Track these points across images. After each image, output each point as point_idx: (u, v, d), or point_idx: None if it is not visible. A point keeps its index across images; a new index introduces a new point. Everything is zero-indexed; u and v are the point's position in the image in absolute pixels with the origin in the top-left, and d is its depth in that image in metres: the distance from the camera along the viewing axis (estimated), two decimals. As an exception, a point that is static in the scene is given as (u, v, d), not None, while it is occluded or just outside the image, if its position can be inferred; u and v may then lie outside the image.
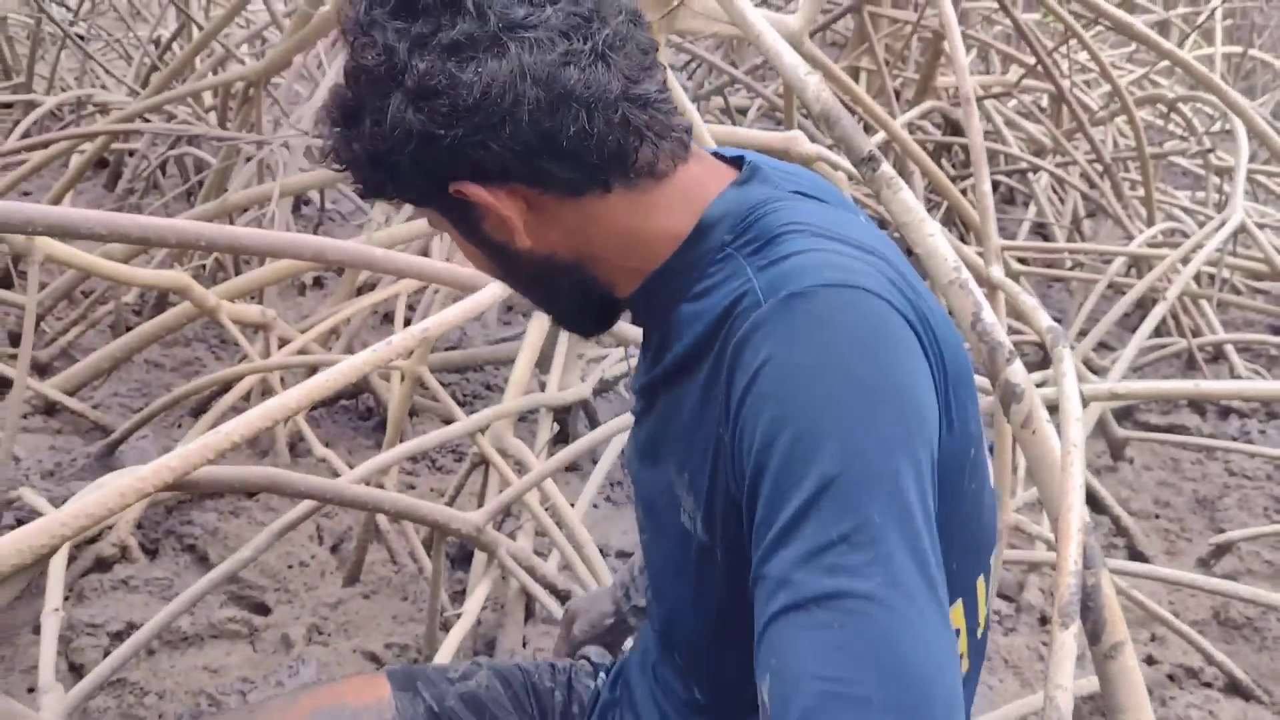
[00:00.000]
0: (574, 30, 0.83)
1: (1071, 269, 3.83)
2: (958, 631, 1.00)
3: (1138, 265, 3.51)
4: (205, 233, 1.48)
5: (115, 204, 4.01)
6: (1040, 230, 4.48)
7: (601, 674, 1.29)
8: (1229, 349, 3.55)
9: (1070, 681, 1.07)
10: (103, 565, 2.19)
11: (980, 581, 1.03)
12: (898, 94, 5.07)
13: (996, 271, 1.80)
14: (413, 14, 0.82)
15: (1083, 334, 3.51)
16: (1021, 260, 3.67)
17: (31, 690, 1.92)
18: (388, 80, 0.83)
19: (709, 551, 0.93)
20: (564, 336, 2.53)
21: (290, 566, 2.26)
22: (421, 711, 1.19)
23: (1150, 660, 2.29)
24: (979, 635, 1.05)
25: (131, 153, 4.03)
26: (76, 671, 1.99)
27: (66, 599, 2.09)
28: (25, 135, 3.51)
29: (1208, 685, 2.25)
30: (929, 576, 0.76)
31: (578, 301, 0.98)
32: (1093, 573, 1.27)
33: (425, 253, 2.77)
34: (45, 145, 2.95)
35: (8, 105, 4.55)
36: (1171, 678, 2.25)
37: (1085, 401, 2.44)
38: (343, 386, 1.53)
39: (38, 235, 1.45)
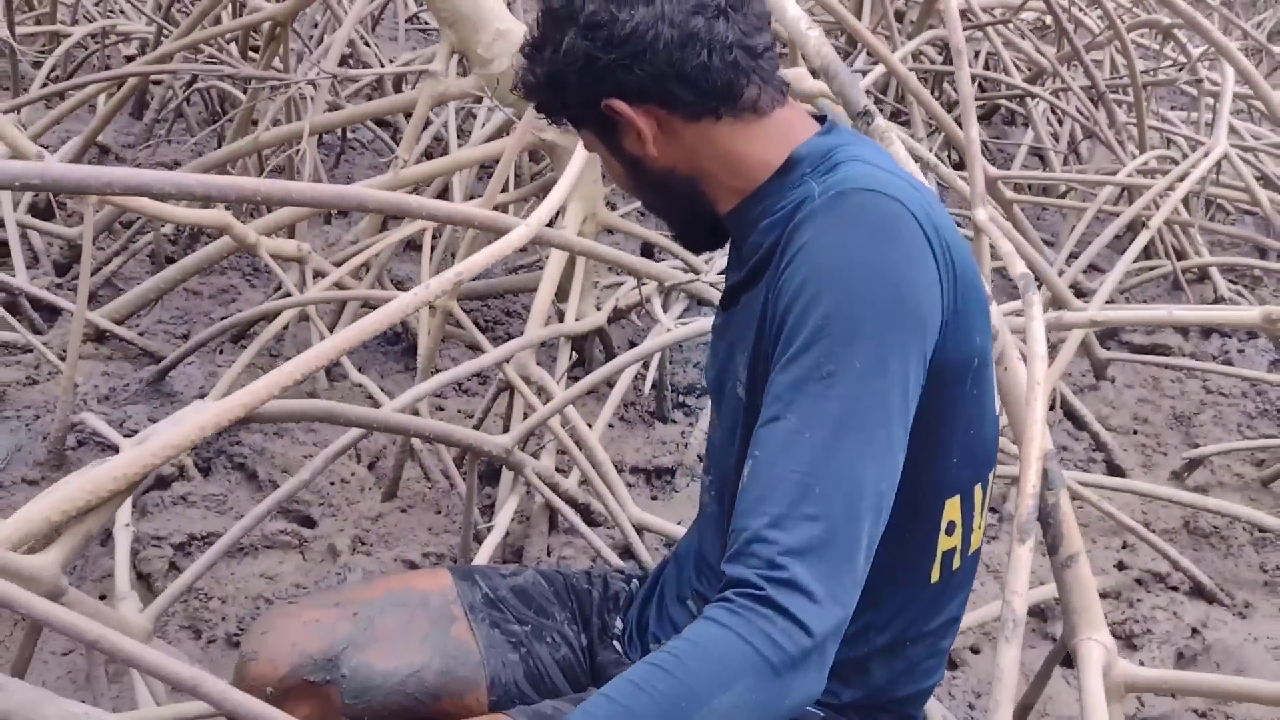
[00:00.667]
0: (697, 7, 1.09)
1: (1064, 194, 3.96)
2: (952, 524, 1.20)
3: (1128, 191, 3.64)
4: (262, 188, 1.63)
5: (143, 134, 4.14)
6: (1038, 152, 4.59)
7: (634, 580, 1.52)
8: (1213, 271, 3.70)
9: (1025, 589, 1.26)
10: (162, 483, 2.39)
11: (978, 489, 1.22)
12: (900, 16, 5.14)
13: (981, 214, 1.95)
14: None
15: (1074, 256, 3.67)
16: (1017, 187, 3.79)
17: (103, 597, 2.14)
18: (566, 18, 1.10)
19: (749, 410, 1.15)
20: (580, 269, 2.69)
21: (333, 483, 2.46)
22: (479, 598, 1.41)
23: (1121, 565, 2.50)
24: (973, 539, 1.24)
25: (157, 82, 4.13)
26: (145, 580, 2.20)
27: (132, 512, 2.29)
28: (54, 69, 3.63)
29: (1174, 589, 2.45)
30: (888, 423, 1.01)
31: (690, 211, 1.23)
32: (1053, 493, 1.46)
33: (447, 189, 2.91)
34: (79, 87, 3.07)
35: (31, 35, 4.63)
36: (1140, 582, 2.45)
37: (1066, 328, 2.61)
38: (387, 326, 1.71)
39: (114, 195, 1.60)
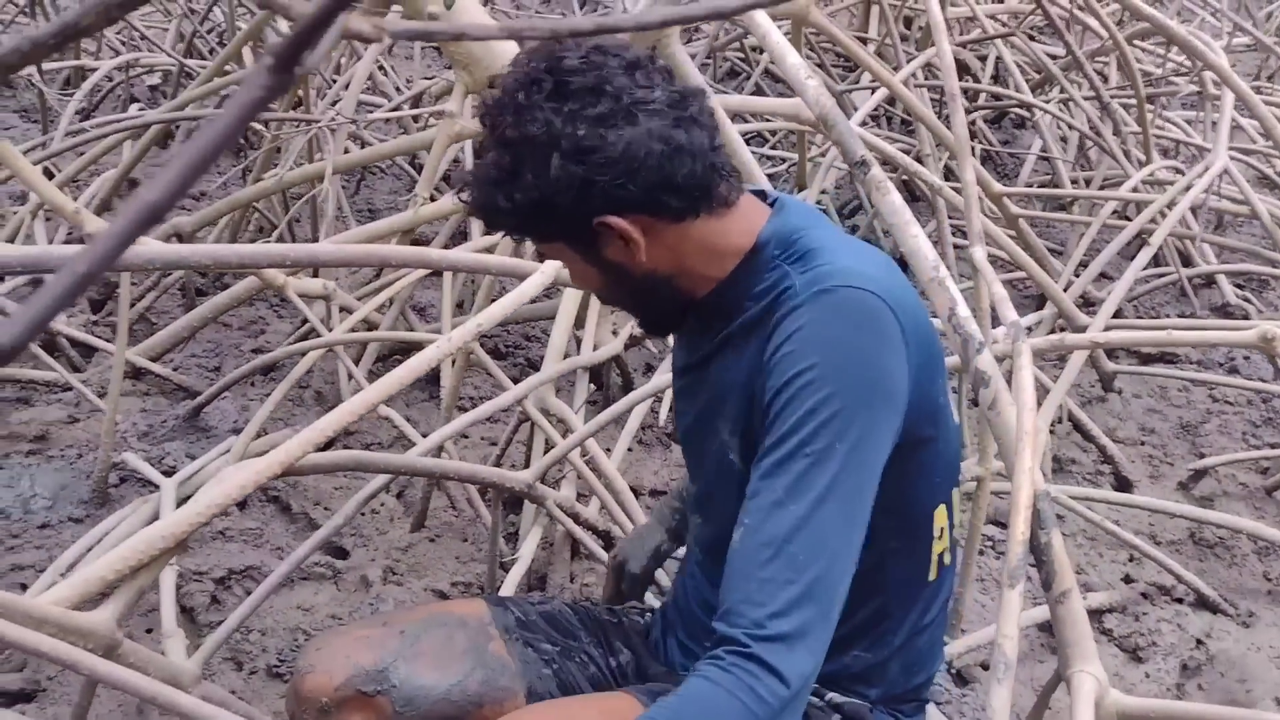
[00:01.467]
0: (675, 104, 1.20)
1: (1071, 204, 4.02)
2: (941, 529, 1.38)
3: (1134, 202, 3.70)
4: (290, 254, 1.74)
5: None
6: (1047, 158, 4.64)
7: (648, 614, 1.64)
8: (1220, 278, 3.75)
9: (1015, 632, 1.35)
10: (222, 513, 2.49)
11: (955, 493, 1.41)
12: (909, 21, 5.19)
13: (979, 253, 2.02)
14: (565, 98, 1.15)
15: (1084, 265, 3.73)
16: (1027, 200, 3.85)
17: (150, 630, 2.25)
18: (548, 145, 1.15)
19: (746, 477, 1.26)
20: (595, 297, 2.77)
21: (363, 514, 2.56)
22: (512, 621, 1.54)
23: (1127, 579, 2.57)
24: (955, 533, 1.42)
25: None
26: (188, 614, 2.31)
27: (172, 549, 2.41)
28: (81, 108, 3.74)
29: (1179, 601, 2.53)
30: (861, 494, 1.16)
31: (665, 305, 1.33)
32: (1045, 532, 1.54)
33: (464, 229, 3.01)
34: (105, 135, 3.18)
35: (57, 69, 4.76)
36: (1145, 595, 2.52)
37: (1069, 349, 2.67)
38: (412, 380, 1.80)
39: (158, 270, 1.70)
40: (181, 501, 2.26)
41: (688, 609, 1.50)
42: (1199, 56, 2.72)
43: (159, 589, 2.05)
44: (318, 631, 2.26)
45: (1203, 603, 2.51)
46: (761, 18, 2.19)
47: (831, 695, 1.38)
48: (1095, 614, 2.43)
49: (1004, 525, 2.73)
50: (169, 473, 2.55)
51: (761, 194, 1.36)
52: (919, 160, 3.88)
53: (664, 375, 2.45)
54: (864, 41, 4.58)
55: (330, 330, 2.73)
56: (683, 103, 1.20)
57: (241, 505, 2.60)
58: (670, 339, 1.57)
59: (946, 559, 1.41)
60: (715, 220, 1.26)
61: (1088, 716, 1.42)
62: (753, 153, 4.38)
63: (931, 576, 1.39)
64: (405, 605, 2.21)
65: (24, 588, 2.29)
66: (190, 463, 2.55)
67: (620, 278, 1.27)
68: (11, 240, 3.29)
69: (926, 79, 4.18)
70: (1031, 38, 4.67)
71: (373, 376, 3.01)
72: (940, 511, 1.37)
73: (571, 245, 1.25)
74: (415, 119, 3.80)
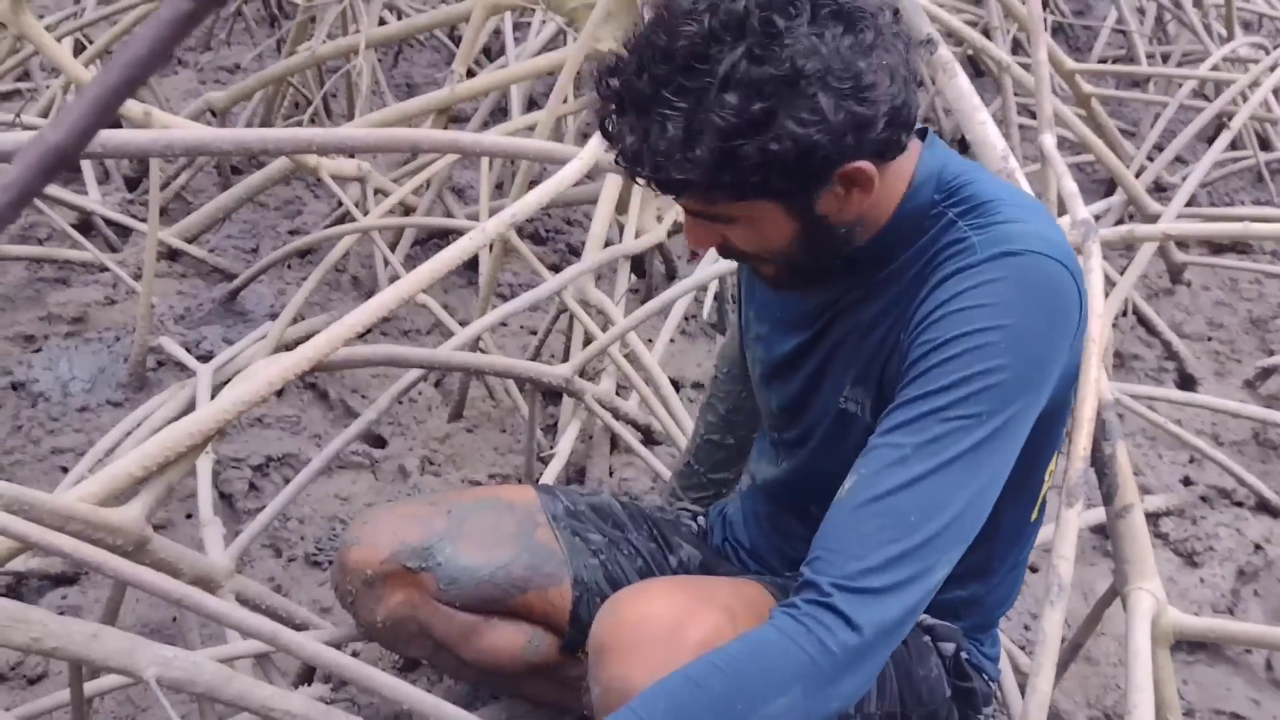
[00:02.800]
0: (897, 36, 1.04)
1: (1147, 82, 3.79)
2: (1050, 473, 1.30)
3: (1214, 82, 3.48)
4: (317, 138, 1.65)
5: (203, 37, 4.14)
6: (1123, 31, 4.38)
7: (699, 517, 1.62)
8: (1302, 163, 3.55)
9: (1072, 554, 1.28)
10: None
11: (1064, 434, 1.33)
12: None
13: (1048, 141, 1.88)
14: (823, 22, 0.98)
15: (1159, 148, 3.53)
16: (1099, 77, 3.64)
17: (189, 516, 2.25)
18: (797, 82, 0.96)
19: (870, 429, 1.15)
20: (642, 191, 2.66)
21: (401, 403, 2.53)
22: (560, 509, 1.50)
23: (1187, 481, 2.48)
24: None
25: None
26: (226, 500, 2.30)
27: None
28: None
29: (1239, 504, 2.44)
30: (993, 470, 1.04)
31: (830, 257, 1.14)
32: (1109, 443, 1.46)
33: (506, 100, 2.88)
34: (140, 1, 3.07)
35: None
36: (1204, 499, 2.43)
37: (1139, 241, 2.54)
38: (446, 272, 1.73)
39: (182, 156, 1.62)
40: (218, 388, 2.23)
41: (757, 515, 1.47)
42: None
43: (196, 477, 2.04)
44: (341, 537, 2.25)
45: (1263, 506, 2.42)
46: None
47: (925, 618, 1.34)
48: (1152, 518, 2.35)
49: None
50: (205, 357, 2.52)
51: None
52: (986, 33, 3.66)
53: (709, 267, 2.35)
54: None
55: (366, 213, 2.65)
56: (901, 34, 1.05)
57: (279, 393, 2.56)
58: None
59: (1048, 497, 1.35)
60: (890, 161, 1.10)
61: (1144, 636, 1.35)
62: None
63: (1034, 516, 1.33)
64: (454, 488, 2.19)
65: (65, 470, 2.29)
66: (227, 347, 2.52)
67: (819, 233, 1.09)
68: (45, 115, 3.22)
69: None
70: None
71: (410, 261, 2.94)
72: (1055, 459, 1.30)
73: (780, 200, 1.05)
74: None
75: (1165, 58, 4.07)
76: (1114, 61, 4.33)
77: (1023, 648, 1.94)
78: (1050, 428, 1.19)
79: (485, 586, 1.41)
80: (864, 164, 1.03)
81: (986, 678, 1.37)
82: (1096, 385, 1.39)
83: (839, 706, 0.99)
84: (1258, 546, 2.31)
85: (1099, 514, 2.22)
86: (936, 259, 1.10)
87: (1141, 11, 4.42)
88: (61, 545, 1.29)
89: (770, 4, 0.97)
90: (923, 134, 1.17)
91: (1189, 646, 2.08)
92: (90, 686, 1.54)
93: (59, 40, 2.63)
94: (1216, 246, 3.33)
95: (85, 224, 3.02)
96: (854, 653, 0.98)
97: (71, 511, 1.40)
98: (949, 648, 1.32)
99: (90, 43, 3.59)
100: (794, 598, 1.02)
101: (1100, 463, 1.46)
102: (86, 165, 3.11)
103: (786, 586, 1.28)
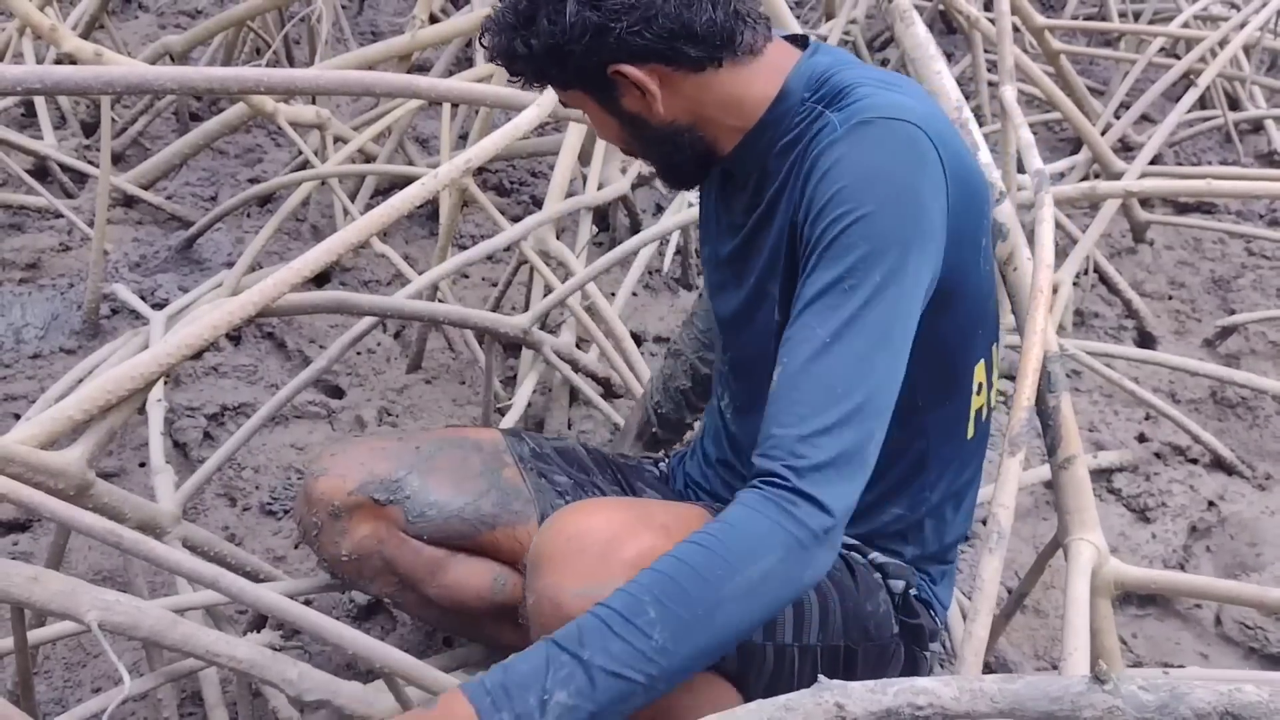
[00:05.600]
0: None
1: (1118, 39, 3.78)
2: (980, 385, 1.35)
3: (1184, 40, 3.47)
4: (264, 79, 1.62)
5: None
6: (1096, -11, 4.36)
7: (661, 464, 1.65)
8: (1269, 124, 3.54)
9: (1012, 501, 1.28)
10: (195, 354, 2.45)
11: (994, 349, 1.37)
12: None
13: (1008, 93, 1.87)
14: None
15: (1126, 106, 3.53)
16: (1071, 34, 3.62)
17: (143, 465, 2.23)
18: None
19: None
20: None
21: (359, 354, 2.51)
22: (526, 451, 1.53)
23: (1141, 438, 2.49)
24: (992, 394, 1.40)
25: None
26: (181, 449, 2.28)
27: (165, 384, 2.36)
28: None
29: (1193, 461, 2.45)
30: (901, 328, 1.12)
31: (688, 157, 1.27)
32: (1054, 395, 1.47)
33: (468, 55, 2.84)
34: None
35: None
36: (1159, 455, 2.45)
37: (1101, 198, 2.54)
38: (398, 217, 1.71)
39: (119, 93, 1.59)
40: (171, 336, 2.20)
41: (718, 460, 1.50)
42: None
43: (148, 424, 2.02)
44: (306, 469, 2.23)
45: (1218, 464, 2.44)
46: None
47: (874, 554, 1.38)
48: (1105, 473, 2.37)
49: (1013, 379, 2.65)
50: (161, 305, 2.49)
51: (799, 39, 1.30)
52: (956, -12, 3.63)
53: (673, 217, 2.34)
54: None
55: (325, 161, 2.61)
56: None
57: (236, 342, 2.55)
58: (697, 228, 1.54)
59: (985, 415, 1.38)
60: (740, 69, 1.21)
61: (1083, 585, 1.37)
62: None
63: (970, 434, 1.36)
64: (421, 427, 2.17)
65: (17, 418, 2.27)
66: (182, 296, 2.49)
67: (639, 128, 1.24)
68: (0, 58, 3.15)
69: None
70: None
71: (370, 210, 2.91)
72: (980, 367, 1.33)
73: (590, 94, 1.21)
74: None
75: (1138, 16, 4.05)
76: (1087, 19, 4.31)
77: (970, 598, 1.96)
78: (959, 318, 1.25)
79: (454, 521, 1.43)
80: (627, 68, 1.15)
81: (934, 614, 1.38)
82: (1042, 336, 1.40)
83: (813, 576, 1.07)
84: (1211, 503, 2.33)
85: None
86: (808, 147, 1.18)
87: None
88: (0, 488, 1.27)
89: None
90: (803, 43, 1.27)
91: (1139, 601, 2.10)
92: (36, 635, 1.53)
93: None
94: (1181, 206, 3.33)
95: (41, 169, 2.97)
96: (826, 530, 1.05)
97: (10, 454, 1.38)
98: (899, 585, 1.34)
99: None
100: (754, 482, 1.08)
101: (1044, 414, 1.46)
102: (42, 110, 3.05)
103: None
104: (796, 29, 1.84)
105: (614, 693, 0.97)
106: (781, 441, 1.07)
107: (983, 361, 1.34)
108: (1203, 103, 3.62)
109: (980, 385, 1.34)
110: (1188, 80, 3.44)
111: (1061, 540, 1.44)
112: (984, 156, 1.54)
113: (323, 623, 1.32)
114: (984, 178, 1.30)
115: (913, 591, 1.36)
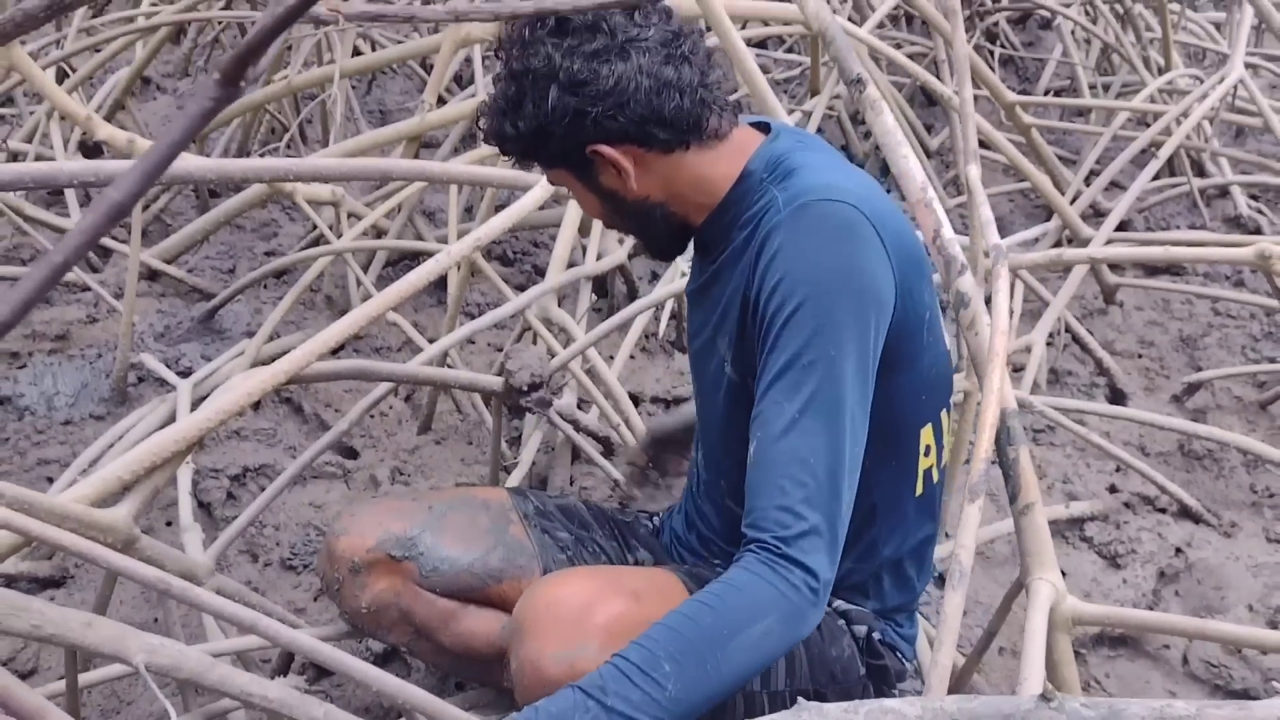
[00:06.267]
0: (668, 42, 1.28)
1: (1088, 113, 3.98)
2: (928, 447, 1.48)
3: (1151, 112, 3.66)
4: (294, 168, 1.79)
5: (181, 63, 4.27)
6: (1068, 61, 4.58)
7: (655, 518, 1.77)
8: (1234, 189, 3.73)
9: (973, 543, 1.42)
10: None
11: (944, 414, 1.50)
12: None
13: (973, 172, 2.04)
14: (565, 34, 1.25)
15: (1095, 174, 3.71)
16: (1044, 107, 3.82)
17: (169, 524, 2.37)
18: (546, 77, 1.25)
19: (739, 386, 1.39)
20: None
21: (373, 417, 2.65)
22: (531, 509, 1.66)
23: (1112, 489, 2.63)
24: (944, 455, 1.52)
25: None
26: (205, 509, 2.42)
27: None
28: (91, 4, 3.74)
29: (1161, 510, 2.59)
30: (859, 396, 1.25)
31: (663, 230, 1.41)
32: (1014, 448, 1.61)
33: (473, 132, 3.02)
34: (115, 36, 3.20)
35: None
36: (1128, 505, 2.59)
37: (1067, 265, 2.70)
38: (414, 293, 1.87)
39: (171, 185, 1.75)
40: (196, 402, 2.35)
41: (696, 518, 1.62)
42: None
43: (177, 486, 2.16)
44: (328, 528, 2.37)
45: (1185, 513, 2.57)
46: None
47: (838, 602, 1.49)
48: (1078, 522, 2.51)
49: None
50: (185, 373, 2.64)
51: (766, 126, 1.43)
52: (936, 64, 3.85)
53: (667, 286, 2.50)
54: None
55: (339, 235, 2.78)
56: (675, 40, 1.28)
57: (256, 406, 2.69)
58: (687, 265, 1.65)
59: (935, 476, 1.49)
60: (707, 151, 1.34)
61: (1041, 619, 1.50)
62: (768, 56, 4.35)
63: (919, 491, 1.48)
64: (433, 487, 2.32)
65: (50, 481, 2.41)
66: (205, 364, 2.64)
67: (617, 204, 1.36)
68: (29, 139, 3.34)
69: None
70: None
71: (382, 281, 3.07)
72: (927, 430, 1.45)
73: (572, 172, 1.34)
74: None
75: (1107, 88, 4.26)
76: (1059, 92, 4.53)
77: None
78: (907, 384, 1.37)
79: (464, 575, 1.56)
80: (604, 148, 1.27)
81: (900, 655, 1.51)
82: (999, 395, 1.55)
83: (805, 631, 1.21)
84: (1178, 550, 2.47)
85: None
86: (759, 224, 1.31)
87: (1088, 43, 4.62)
88: (61, 539, 1.41)
89: (531, 20, 1.25)
90: (765, 129, 1.40)
91: (1110, 642, 2.23)
92: (84, 679, 1.66)
93: (43, 69, 2.74)
94: (1150, 269, 3.50)
95: (68, 245, 3.13)
96: (816, 592, 1.20)
97: (66, 511, 1.53)
98: (861, 630, 1.47)
99: (73, 70, 3.71)
100: (747, 550, 1.21)
101: (1005, 466, 1.61)
102: (69, 189, 3.23)
103: (697, 573, 1.44)
104: (777, 107, 2.00)
105: None
106: (766, 513, 1.21)
107: (930, 426, 1.46)
108: (1172, 170, 3.81)
109: (929, 447, 1.46)
110: (1153, 149, 3.63)
111: (1023, 580, 1.58)
112: (947, 232, 1.70)
113: (353, 663, 1.45)
114: (924, 254, 1.45)
115: (876, 635, 1.48)
